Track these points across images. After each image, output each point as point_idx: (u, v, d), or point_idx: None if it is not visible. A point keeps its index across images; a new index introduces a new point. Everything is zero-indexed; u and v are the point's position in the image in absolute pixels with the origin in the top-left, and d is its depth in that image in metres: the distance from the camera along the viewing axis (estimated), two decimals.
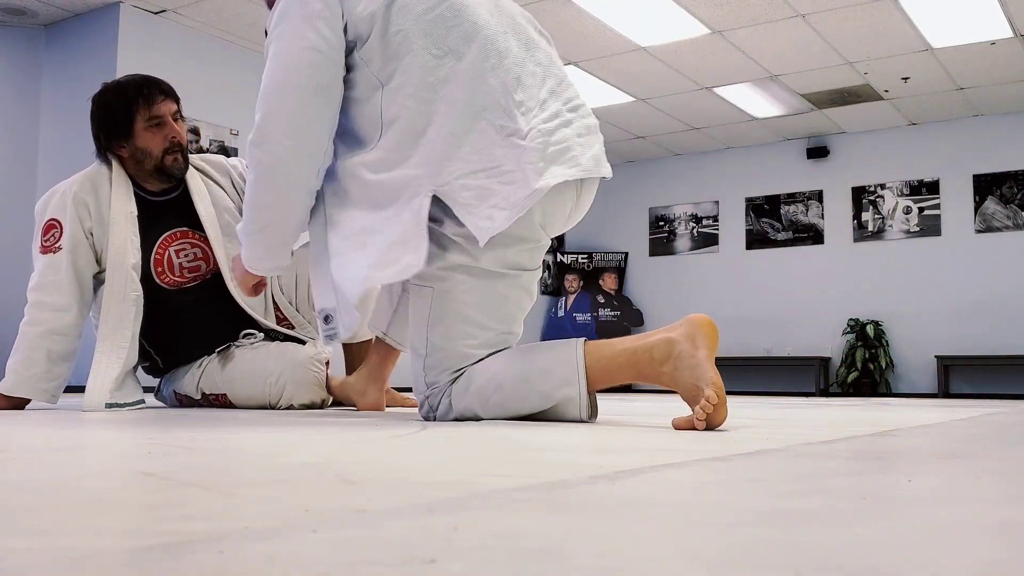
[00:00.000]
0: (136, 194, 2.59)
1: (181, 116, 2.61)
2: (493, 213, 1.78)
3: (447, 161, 1.82)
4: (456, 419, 1.86)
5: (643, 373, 1.72)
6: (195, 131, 6.04)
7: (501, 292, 1.88)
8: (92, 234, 2.50)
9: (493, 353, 1.88)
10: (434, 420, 1.89)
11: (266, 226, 1.94)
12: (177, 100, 2.59)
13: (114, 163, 2.57)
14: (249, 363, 2.58)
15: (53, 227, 2.49)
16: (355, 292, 1.83)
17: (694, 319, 1.71)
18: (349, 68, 1.90)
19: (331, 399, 2.66)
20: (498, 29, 1.92)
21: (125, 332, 2.43)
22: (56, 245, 2.46)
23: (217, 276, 2.66)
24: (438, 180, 1.81)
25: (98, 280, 2.54)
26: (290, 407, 2.56)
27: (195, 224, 2.66)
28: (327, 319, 1.88)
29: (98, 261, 2.52)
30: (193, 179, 2.68)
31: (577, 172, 1.82)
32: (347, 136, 1.96)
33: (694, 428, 1.59)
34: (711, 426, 1.59)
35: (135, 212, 2.52)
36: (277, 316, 2.77)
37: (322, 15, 1.84)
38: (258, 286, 2.19)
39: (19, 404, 2.45)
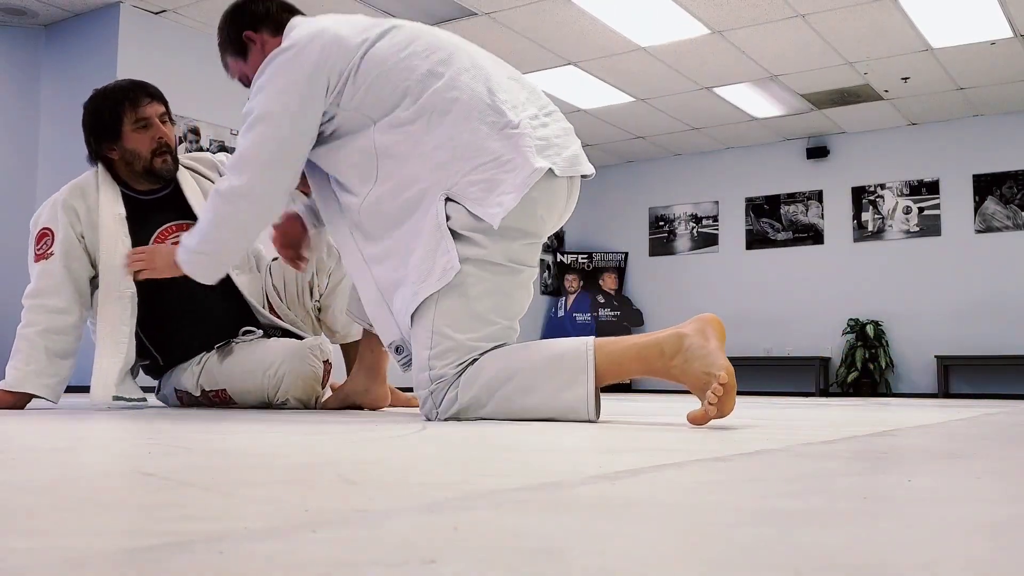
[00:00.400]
0: (126, 195, 2.63)
1: (170, 119, 2.66)
2: (502, 199, 1.87)
3: (450, 164, 1.92)
4: (458, 413, 1.89)
5: (652, 367, 1.78)
6: (195, 131, 6.04)
7: (505, 287, 1.95)
8: (84, 237, 2.53)
9: (497, 347, 1.93)
10: (436, 416, 1.91)
11: (207, 254, 2.16)
12: (165, 103, 2.64)
13: (101, 168, 2.62)
14: (248, 356, 2.60)
15: (45, 235, 2.53)
16: (409, 312, 1.95)
17: (704, 316, 1.79)
18: (338, 123, 2.02)
19: (323, 395, 2.67)
20: (470, 50, 2.07)
21: (123, 328, 2.46)
22: (48, 251, 2.50)
23: None
24: (447, 184, 1.92)
25: (94, 284, 2.56)
26: (285, 403, 2.56)
27: (187, 218, 2.69)
28: (398, 350, 2.03)
29: (93, 264, 2.55)
30: (183, 176, 2.72)
31: (555, 169, 1.92)
32: (351, 180, 2.05)
33: (707, 418, 1.65)
34: (721, 413, 1.66)
35: (123, 214, 2.56)
36: (273, 315, 2.79)
37: (299, 91, 1.97)
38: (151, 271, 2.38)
39: (21, 403, 2.45)
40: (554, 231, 2.07)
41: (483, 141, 1.90)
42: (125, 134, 2.56)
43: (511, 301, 1.97)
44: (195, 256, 2.18)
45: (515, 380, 1.83)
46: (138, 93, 2.58)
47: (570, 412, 1.82)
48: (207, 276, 2.23)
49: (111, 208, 2.55)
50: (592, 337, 1.85)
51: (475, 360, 1.89)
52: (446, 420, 1.89)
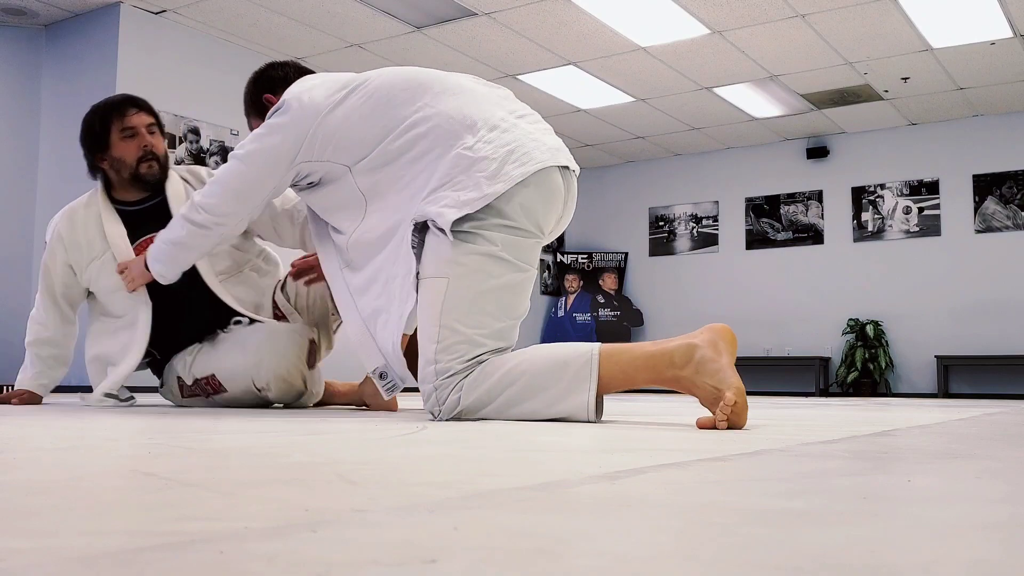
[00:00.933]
0: (119, 210, 2.78)
1: (160, 130, 2.80)
2: (443, 211, 1.92)
3: (419, 192, 2.01)
4: (460, 414, 1.91)
5: (661, 376, 1.79)
6: (195, 131, 6.04)
7: (512, 285, 1.98)
8: (69, 259, 2.75)
9: (499, 349, 1.95)
10: (439, 415, 1.93)
11: (169, 243, 2.40)
12: (154, 114, 2.80)
13: (100, 187, 2.79)
14: (233, 339, 2.68)
15: (46, 245, 2.79)
16: (397, 335, 2.03)
17: (715, 327, 1.79)
18: (320, 173, 2.15)
19: (321, 394, 2.70)
20: (439, 79, 2.14)
21: (143, 335, 2.65)
22: (44, 262, 2.79)
23: (194, 273, 2.70)
24: (414, 210, 2.00)
25: (78, 289, 2.80)
26: (268, 387, 2.57)
27: None
28: (382, 375, 2.10)
29: (78, 277, 2.78)
30: (173, 185, 2.82)
31: (531, 167, 1.95)
32: (342, 222, 2.17)
33: (716, 427, 1.66)
34: (733, 427, 1.67)
35: (124, 233, 2.74)
36: (276, 314, 2.81)
37: (269, 142, 2.13)
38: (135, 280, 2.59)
39: (36, 399, 2.78)
40: (559, 232, 2.12)
41: (443, 167, 1.98)
42: (113, 143, 2.73)
43: (517, 300, 2.00)
44: (161, 245, 2.43)
45: (518, 384, 1.85)
46: (125, 105, 2.76)
47: (570, 419, 1.84)
48: (167, 267, 2.44)
49: (115, 229, 2.73)
50: (600, 344, 1.87)
51: (480, 363, 1.91)
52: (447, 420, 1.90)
